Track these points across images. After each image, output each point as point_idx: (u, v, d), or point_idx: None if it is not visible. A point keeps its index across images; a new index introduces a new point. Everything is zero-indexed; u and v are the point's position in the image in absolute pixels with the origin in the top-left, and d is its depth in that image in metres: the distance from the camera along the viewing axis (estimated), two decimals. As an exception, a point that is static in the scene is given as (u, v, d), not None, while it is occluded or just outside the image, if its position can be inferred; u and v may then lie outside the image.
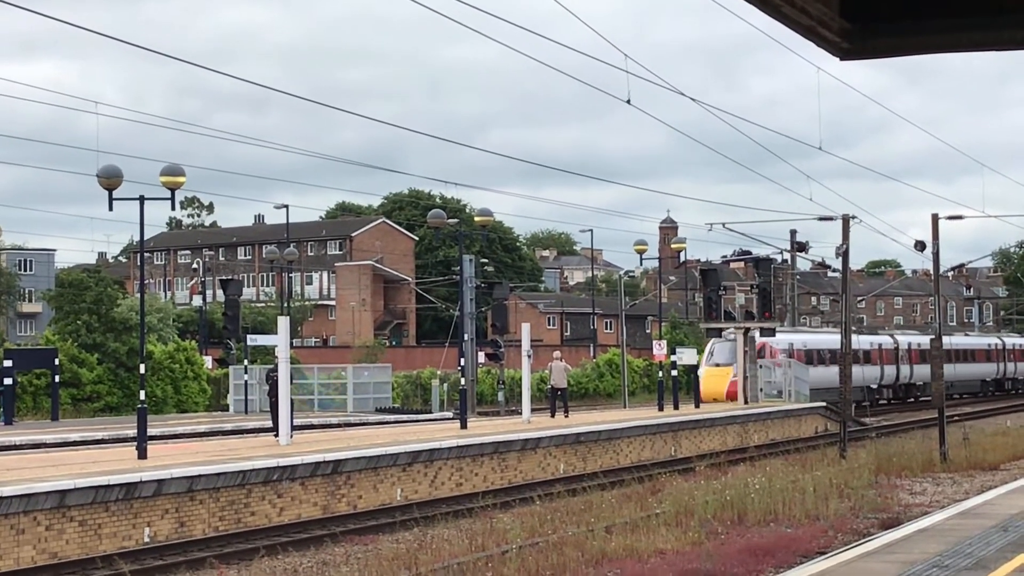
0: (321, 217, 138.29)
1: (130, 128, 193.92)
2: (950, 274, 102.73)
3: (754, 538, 20.52)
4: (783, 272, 73.55)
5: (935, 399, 38.80)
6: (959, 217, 46.17)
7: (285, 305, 72.08)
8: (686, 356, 51.88)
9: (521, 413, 41.66)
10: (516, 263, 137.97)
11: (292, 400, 31.69)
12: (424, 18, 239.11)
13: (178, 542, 22.35)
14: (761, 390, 54.23)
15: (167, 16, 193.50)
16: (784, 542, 20.00)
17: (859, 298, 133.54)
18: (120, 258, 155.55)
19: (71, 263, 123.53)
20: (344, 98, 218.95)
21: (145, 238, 29.54)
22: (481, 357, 62.87)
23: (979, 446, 38.23)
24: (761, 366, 55.08)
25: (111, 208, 27.13)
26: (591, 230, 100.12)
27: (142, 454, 26.63)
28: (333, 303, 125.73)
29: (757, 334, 53.62)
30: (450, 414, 52.99)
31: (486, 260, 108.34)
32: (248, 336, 59.51)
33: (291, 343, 33.23)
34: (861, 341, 66.95)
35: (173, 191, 27.46)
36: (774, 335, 55.20)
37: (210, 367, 66.17)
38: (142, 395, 28.05)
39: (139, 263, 28.80)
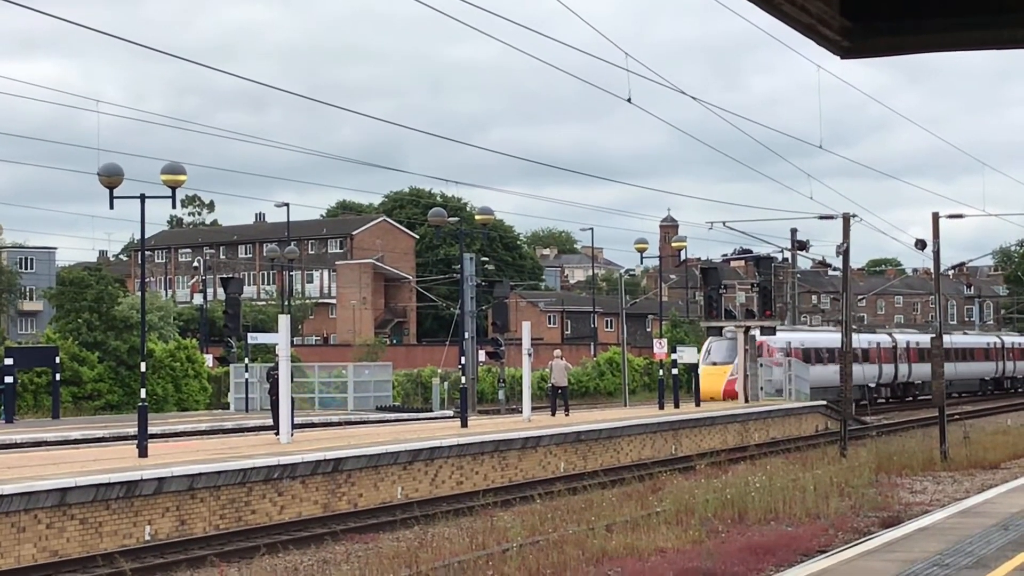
0: (322, 215, 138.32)
1: (131, 126, 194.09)
2: (951, 273, 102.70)
3: (755, 536, 20.52)
4: (784, 271, 73.43)
5: (936, 398, 38.81)
6: (959, 216, 46.20)
7: (286, 303, 72.18)
8: (687, 355, 51.87)
9: (522, 411, 41.67)
10: (517, 262, 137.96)
11: (293, 398, 31.71)
12: (424, 16, 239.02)
13: (179, 540, 22.36)
14: (762, 389, 54.24)
15: (167, 14, 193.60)
16: (785, 540, 20.01)
17: (860, 297, 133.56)
18: (121, 256, 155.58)
19: (72, 261, 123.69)
20: (344, 96, 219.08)
21: (146, 236, 29.54)
22: (482, 355, 62.89)
23: (980, 445, 38.23)
24: (761, 364, 55.08)
25: (112, 206, 27.14)
26: (592, 229, 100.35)
27: (143, 452, 26.64)
28: (334, 301, 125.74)
29: (758, 333, 53.63)
30: (451, 412, 53.00)
31: (487, 259, 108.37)
32: (249, 334, 59.48)
33: (292, 341, 33.23)
34: (859, 340, 66.92)
35: (174, 189, 27.46)
36: (775, 334, 55.21)
37: (211, 365, 66.19)
38: (143, 393, 28.06)
39: (140, 261, 28.81)
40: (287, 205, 75.86)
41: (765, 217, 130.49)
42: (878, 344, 70.81)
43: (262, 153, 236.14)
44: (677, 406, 48.31)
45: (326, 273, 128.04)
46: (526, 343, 40.01)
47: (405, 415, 52.67)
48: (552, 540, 19.63)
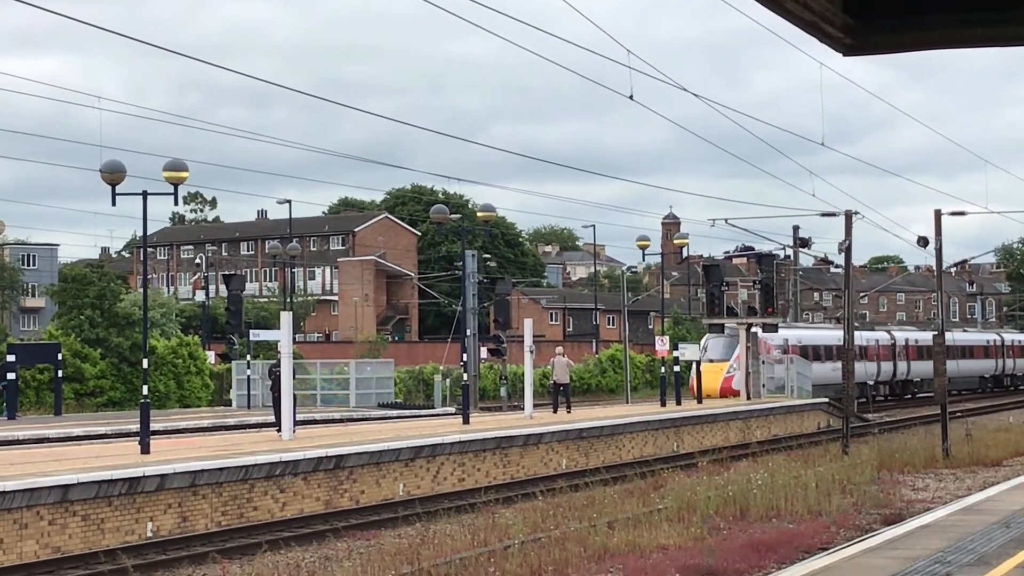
0: (324, 212, 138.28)
1: (132, 123, 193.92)
2: (953, 270, 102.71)
3: (756, 534, 20.53)
4: (785, 268, 73.47)
5: (938, 395, 38.80)
6: (962, 213, 46.18)
7: (288, 300, 72.18)
8: (688, 352, 51.87)
9: (523, 408, 41.68)
10: (518, 258, 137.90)
11: (295, 395, 31.73)
12: (425, 13, 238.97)
13: (180, 537, 22.38)
14: (764, 386, 54.25)
15: (168, 11, 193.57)
16: (786, 538, 20.01)
17: (862, 294, 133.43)
18: (123, 253, 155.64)
19: (74, 258, 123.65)
20: (346, 93, 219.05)
21: (148, 233, 29.56)
22: (483, 352, 62.93)
23: (981, 442, 38.21)
24: (763, 361, 55.08)
25: (114, 203, 27.18)
26: (593, 226, 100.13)
27: (145, 449, 26.66)
28: (336, 298, 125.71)
29: (760, 330, 53.63)
30: (452, 409, 53.03)
31: (488, 255, 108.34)
32: (251, 331, 59.58)
33: (294, 338, 33.25)
34: (858, 337, 66.75)
35: (176, 186, 27.48)
36: (777, 331, 55.21)
37: (213, 362, 66.22)
38: (145, 390, 28.09)
39: (142, 258, 28.83)
40: (289, 202, 75.85)
41: (767, 214, 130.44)
42: (877, 341, 70.68)
43: (264, 150, 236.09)
44: (679, 403, 48.33)
45: (328, 270, 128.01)
46: (528, 340, 40.01)
47: (407, 412, 52.67)
48: (554, 537, 19.63)
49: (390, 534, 23.05)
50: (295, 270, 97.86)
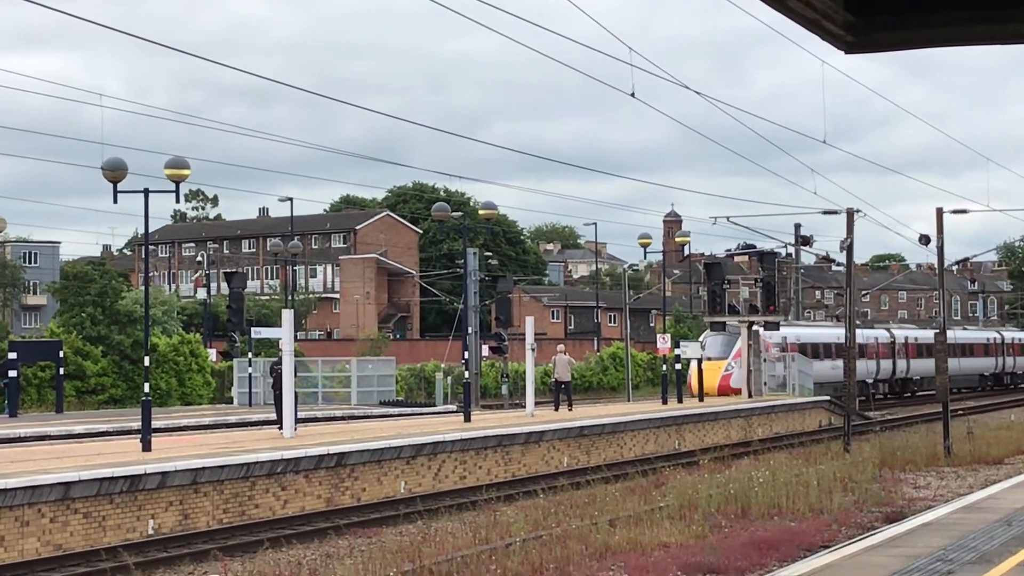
0: (325, 210, 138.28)
1: (134, 121, 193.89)
2: (954, 268, 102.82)
3: (758, 532, 20.53)
4: (787, 266, 73.45)
5: (939, 393, 38.79)
6: (963, 211, 46.14)
7: (289, 298, 72.17)
8: (690, 350, 51.86)
9: (525, 406, 41.68)
10: (520, 256, 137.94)
11: (296, 393, 31.73)
12: (426, 11, 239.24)
13: (182, 534, 22.39)
14: (765, 384, 54.24)
15: (170, 9, 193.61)
16: (788, 536, 20.01)
17: (863, 292, 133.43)
18: (125, 251, 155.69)
19: (76, 255, 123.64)
20: (347, 91, 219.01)
21: (150, 231, 29.56)
22: (485, 350, 62.88)
23: (983, 440, 38.20)
24: (765, 359, 55.07)
25: (116, 200, 27.17)
26: (595, 223, 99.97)
27: (146, 446, 26.67)
28: (337, 296, 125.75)
29: (761, 328, 53.62)
30: (454, 407, 53.01)
31: (490, 253, 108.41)
32: (252, 329, 59.57)
33: (295, 336, 33.25)
34: (857, 335, 66.74)
35: (177, 184, 27.48)
36: (778, 329, 55.16)
37: (214, 360, 66.23)
38: (146, 387, 28.10)
39: (144, 255, 28.83)
40: (291, 200, 75.79)
41: (769, 212, 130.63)
42: (876, 339, 70.53)
43: (266, 148, 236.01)
44: (680, 401, 48.34)
45: (329, 268, 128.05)
46: (529, 338, 40.01)
47: (408, 410, 52.69)
48: (555, 535, 19.63)
49: (391, 532, 23.05)
50: (296, 268, 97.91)
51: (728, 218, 47.13)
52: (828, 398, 54.17)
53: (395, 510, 25.46)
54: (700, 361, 51.83)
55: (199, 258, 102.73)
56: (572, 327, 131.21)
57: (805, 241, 68.80)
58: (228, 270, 70.08)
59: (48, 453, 27.27)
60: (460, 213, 77.73)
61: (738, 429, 45.05)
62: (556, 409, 43.37)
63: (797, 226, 75.51)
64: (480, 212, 44.69)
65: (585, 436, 36.01)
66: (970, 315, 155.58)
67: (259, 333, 60.74)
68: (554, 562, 17.53)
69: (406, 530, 23.13)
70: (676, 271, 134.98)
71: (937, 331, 40.04)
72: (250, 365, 55.83)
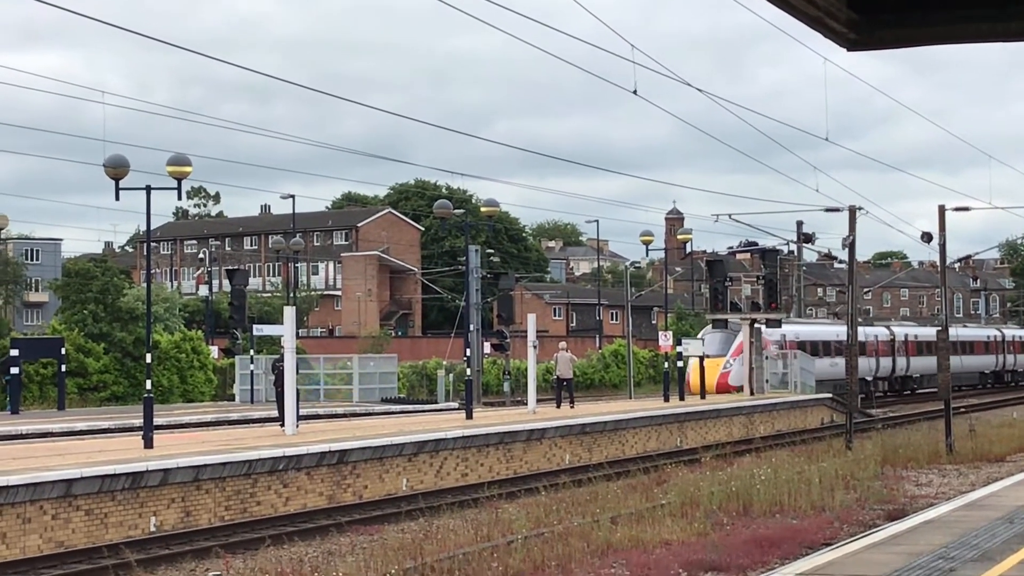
0: (327, 207, 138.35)
1: (136, 118, 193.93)
2: (957, 266, 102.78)
3: (760, 529, 20.52)
4: (789, 263, 73.39)
5: (942, 390, 38.80)
6: (966, 209, 46.14)
7: (291, 295, 72.17)
8: (692, 347, 51.84)
9: (526, 403, 41.68)
10: (522, 254, 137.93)
11: (298, 390, 31.74)
12: (428, 8, 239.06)
13: (184, 531, 22.39)
14: (767, 381, 54.23)
15: (170, 5, 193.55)
16: (790, 533, 20.00)
17: (865, 289, 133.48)
18: (126, 248, 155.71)
19: (78, 252, 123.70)
20: (348, 89, 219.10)
21: (151, 228, 29.56)
22: (487, 347, 62.93)
23: (985, 438, 38.19)
24: (768, 357, 55.05)
25: (117, 198, 27.16)
26: (597, 221, 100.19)
27: (148, 443, 26.67)
28: (339, 293, 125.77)
29: (764, 325, 53.61)
30: (456, 404, 53.04)
31: (492, 251, 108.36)
32: (254, 326, 59.62)
33: (297, 333, 33.25)
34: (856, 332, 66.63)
35: (179, 181, 27.47)
36: (780, 326, 55.12)
37: (216, 357, 66.26)
38: (148, 385, 28.10)
39: (145, 253, 28.83)
40: (292, 197, 75.84)
41: (771, 209, 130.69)
42: (876, 337, 70.41)
43: (267, 145, 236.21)
44: (682, 398, 48.32)
45: (331, 265, 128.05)
46: (531, 335, 40.00)
47: (410, 407, 52.71)
48: (557, 532, 19.63)
49: (393, 529, 23.06)
50: (298, 265, 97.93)
51: (730, 215, 47.29)
52: (830, 396, 54.15)
53: (397, 507, 25.46)
54: (702, 359, 51.79)
55: (201, 255, 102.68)
56: (574, 324, 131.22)
57: (807, 238, 68.80)
58: (230, 267, 70.16)
59: (50, 450, 27.27)
60: (462, 210, 77.66)
61: (740, 426, 45.04)
62: (558, 406, 43.38)
63: (799, 223, 75.58)
64: (482, 209, 44.66)
65: (587, 433, 36.02)
66: (972, 313, 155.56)
67: (261, 330, 60.76)
68: (556, 559, 17.53)
69: (408, 527, 23.13)
70: (678, 268, 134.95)
71: (939, 329, 40.03)
72: (252, 362, 55.85)
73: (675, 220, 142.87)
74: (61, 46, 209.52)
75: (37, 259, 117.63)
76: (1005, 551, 15.89)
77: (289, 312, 30.96)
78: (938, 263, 41.59)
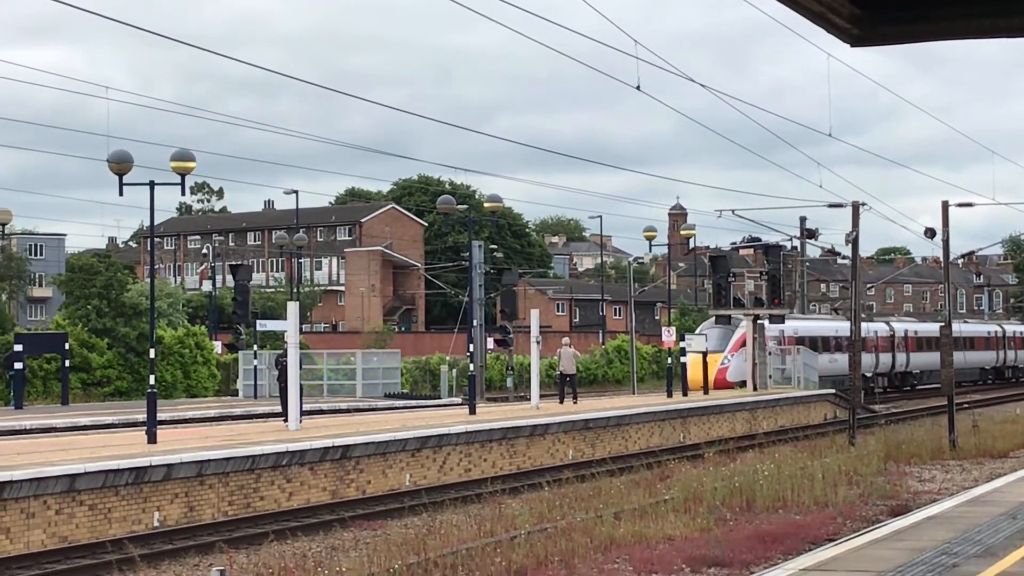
0: (330, 203, 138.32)
1: (140, 113, 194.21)
2: (960, 261, 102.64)
3: (763, 524, 20.53)
4: (792, 259, 73.38)
5: (945, 386, 38.80)
6: (969, 204, 46.12)
7: (294, 290, 72.23)
8: (695, 343, 51.83)
9: (530, 399, 41.69)
10: (525, 249, 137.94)
11: (301, 385, 31.75)
12: (431, 3, 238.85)
13: (187, 526, 22.41)
14: (770, 377, 54.21)
15: (175, 1, 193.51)
16: (793, 529, 20.01)
17: (869, 285, 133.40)
18: (130, 243, 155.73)
19: (81, 248, 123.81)
20: (352, 84, 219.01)
21: (155, 223, 29.56)
22: (490, 343, 62.93)
23: (988, 434, 38.19)
24: (770, 353, 55.03)
25: (121, 193, 27.17)
26: (600, 216, 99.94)
27: (152, 438, 26.70)
28: (342, 289, 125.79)
29: (767, 321, 53.59)
30: (459, 400, 53.04)
31: (495, 246, 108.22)
32: (258, 321, 59.61)
33: (300, 328, 33.27)
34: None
35: (183, 176, 27.47)
36: (783, 322, 55.11)
37: (220, 352, 66.30)
38: (152, 380, 28.13)
39: (149, 248, 28.85)
40: (296, 192, 75.88)
41: (774, 205, 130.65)
42: (876, 333, 70.28)
43: (271, 140, 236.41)
44: (685, 394, 48.32)
45: (335, 260, 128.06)
46: (534, 331, 40.01)
47: (413, 402, 52.73)
48: (560, 528, 19.64)
49: (396, 524, 23.08)
50: (302, 260, 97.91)
51: (733, 211, 47.17)
52: (833, 391, 54.13)
53: (400, 502, 25.49)
54: (705, 354, 51.77)
55: (204, 250, 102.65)
56: (577, 320, 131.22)
57: (810, 234, 68.80)
58: (233, 262, 70.10)
59: (53, 445, 27.29)
60: (465, 206, 77.52)
61: (743, 422, 45.04)
62: (561, 402, 43.39)
63: (802, 219, 75.54)
64: (485, 205, 44.68)
65: (590, 429, 36.02)
66: (976, 308, 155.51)
67: (264, 325, 60.78)
68: (559, 555, 17.54)
69: (411, 522, 23.15)
70: (681, 264, 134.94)
71: (942, 324, 40.01)
72: (255, 357, 55.87)
73: (678, 216, 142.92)
74: (65, 42, 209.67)
75: (41, 254, 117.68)
76: (1008, 547, 15.89)
77: (292, 307, 30.98)
78: (941, 259, 41.56)
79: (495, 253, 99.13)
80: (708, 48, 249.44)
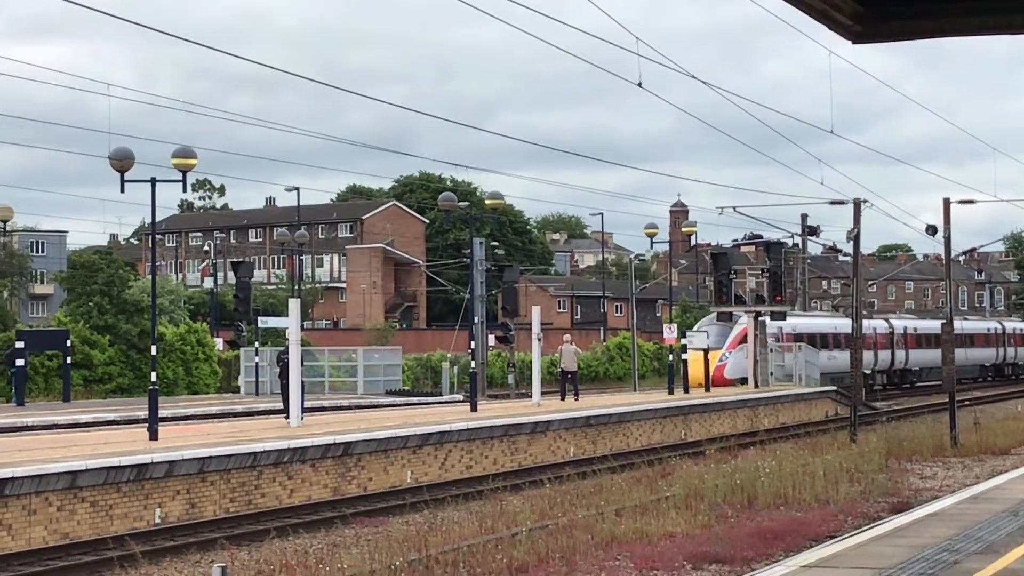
0: (332, 200, 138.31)
1: (141, 110, 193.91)
2: (961, 259, 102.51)
3: (764, 522, 20.54)
4: (794, 256, 73.40)
5: (946, 383, 38.79)
6: (971, 201, 46.10)
7: (296, 287, 72.23)
8: (696, 340, 51.82)
9: (531, 396, 41.70)
10: (526, 246, 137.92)
11: (303, 382, 31.76)
12: (433, 0, 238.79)
13: (189, 523, 22.42)
14: (772, 374, 54.20)
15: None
16: (794, 526, 20.02)
17: (870, 282, 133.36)
18: (132, 240, 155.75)
19: (83, 245, 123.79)
20: (353, 81, 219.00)
21: (157, 220, 29.56)
22: (491, 340, 62.90)
23: (990, 431, 38.20)
24: (772, 350, 55.02)
25: (123, 190, 27.18)
26: (602, 213, 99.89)
27: (153, 435, 26.70)
28: (344, 286, 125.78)
29: (768, 318, 53.58)
30: (460, 397, 53.04)
31: (496, 243, 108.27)
32: (259, 318, 59.60)
33: (302, 325, 33.27)
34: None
35: (184, 173, 27.47)
36: (785, 319, 55.10)
37: (221, 349, 66.28)
38: (153, 377, 28.14)
39: (150, 245, 28.85)
40: (297, 189, 76.01)
41: (776, 202, 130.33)
42: (875, 330, 70.22)
43: (272, 137, 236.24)
44: (687, 391, 48.32)
45: (336, 257, 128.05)
46: (536, 328, 40.01)
47: (415, 399, 52.71)
48: (561, 524, 19.65)
49: (398, 521, 23.08)
50: (303, 257, 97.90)
51: (735, 208, 47.13)
52: (835, 388, 54.13)
53: (401, 499, 25.50)
54: (706, 351, 51.76)
55: (206, 247, 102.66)
56: (578, 317, 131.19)
57: (812, 231, 68.75)
58: (235, 259, 70.16)
59: (55, 442, 27.31)
60: (467, 203, 77.58)
61: (744, 419, 45.04)
62: (562, 399, 43.38)
63: (804, 216, 75.51)
64: (487, 202, 44.68)
65: (591, 426, 36.03)
66: (977, 305, 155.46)
67: (266, 322, 60.78)
68: (560, 552, 17.55)
69: (412, 519, 23.16)
70: (683, 261, 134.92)
71: (944, 322, 40.00)
72: (257, 354, 55.87)
73: (680, 213, 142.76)
74: (67, 39, 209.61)
75: (42, 251, 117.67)
76: (1010, 544, 15.90)
77: (294, 304, 30.98)
78: (943, 256, 41.55)
79: (496, 250, 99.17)
80: (710, 45, 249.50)
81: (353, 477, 27.05)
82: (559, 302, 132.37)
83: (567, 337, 46.82)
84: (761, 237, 56.77)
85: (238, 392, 59.32)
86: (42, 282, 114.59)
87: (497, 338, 61.71)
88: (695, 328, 58.46)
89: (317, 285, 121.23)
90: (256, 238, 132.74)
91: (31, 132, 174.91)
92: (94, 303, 60.20)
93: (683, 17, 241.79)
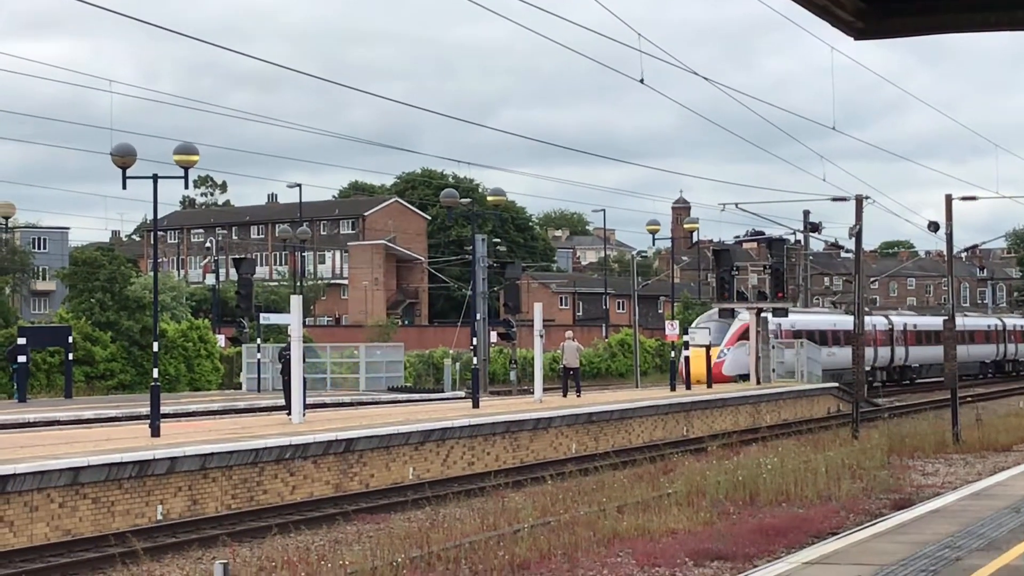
0: (334, 196, 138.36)
1: (143, 106, 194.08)
2: (963, 255, 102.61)
3: (766, 518, 20.53)
4: (796, 253, 73.25)
5: (948, 380, 38.77)
6: (973, 198, 46.05)
7: (298, 284, 72.21)
8: (698, 336, 51.80)
9: (533, 392, 41.70)
10: (528, 243, 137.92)
11: (305, 379, 31.76)
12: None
13: (191, 520, 22.43)
14: (774, 370, 54.19)
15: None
16: (796, 522, 20.01)
17: (872, 279, 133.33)
18: (134, 236, 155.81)
19: (85, 241, 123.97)
20: (356, 78, 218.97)
21: (159, 216, 29.57)
22: (493, 337, 62.87)
23: (992, 427, 38.17)
24: (773, 347, 55.00)
25: (125, 186, 27.18)
26: (604, 210, 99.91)
27: (155, 432, 26.71)
28: (346, 282, 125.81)
29: (770, 315, 53.56)
30: (462, 393, 53.04)
31: (499, 240, 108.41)
32: (261, 315, 59.65)
33: (304, 322, 33.28)
34: (852, 321, 66.51)
35: (186, 169, 27.47)
36: (787, 315, 55.04)
37: (223, 345, 66.32)
38: (155, 373, 28.16)
39: (152, 241, 28.85)
40: (299, 186, 76.01)
41: (778, 199, 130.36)
42: (874, 327, 70.14)
43: (274, 134, 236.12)
44: (688, 387, 48.31)
45: (338, 254, 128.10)
46: (538, 324, 40.01)
47: (417, 396, 52.72)
48: (563, 521, 19.65)
49: (400, 518, 23.09)
50: (305, 254, 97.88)
51: (737, 205, 47.20)
52: (837, 385, 54.12)
53: (403, 496, 25.50)
54: (708, 347, 51.75)
55: (208, 244, 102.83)
56: (580, 313, 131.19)
57: (814, 228, 68.75)
58: (237, 256, 70.20)
59: (57, 438, 27.32)
60: (469, 199, 77.64)
61: (746, 416, 45.04)
62: (564, 395, 43.39)
63: (806, 213, 75.50)
64: (489, 198, 44.65)
65: (593, 422, 36.03)
66: (979, 302, 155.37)
67: (268, 319, 60.79)
68: (562, 548, 17.55)
69: (414, 516, 23.16)
70: (685, 257, 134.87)
71: (946, 318, 39.98)
72: (259, 351, 55.89)
73: (682, 209, 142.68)
74: (69, 35, 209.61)
75: (44, 248, 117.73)
76: (1012, 540, 15.89)
77: (296, 301, 30.98)
78: (945, 253, 41.52)
79: (498, 247, 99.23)
80: (712, 41, 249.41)
81: (355, 474, 27.05)
82: (561, 299, 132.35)
83: (569, 334, 46.86)
84: (763, 233, 56.78)
85: (240, 389, 59.33)
86: (44, 278, 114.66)
87: (499, 335, 61.70)
88: (695, 324, 58.41)
89: (319, 282, 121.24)
90: (258, 234, 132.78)
91: (33, 128, 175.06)
92: (96, 299, 60.22)
93: (685, 13, 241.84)
